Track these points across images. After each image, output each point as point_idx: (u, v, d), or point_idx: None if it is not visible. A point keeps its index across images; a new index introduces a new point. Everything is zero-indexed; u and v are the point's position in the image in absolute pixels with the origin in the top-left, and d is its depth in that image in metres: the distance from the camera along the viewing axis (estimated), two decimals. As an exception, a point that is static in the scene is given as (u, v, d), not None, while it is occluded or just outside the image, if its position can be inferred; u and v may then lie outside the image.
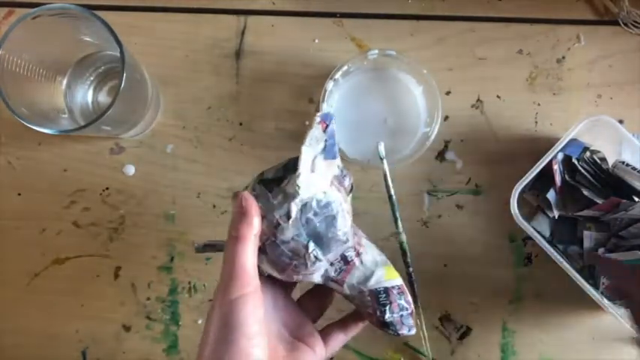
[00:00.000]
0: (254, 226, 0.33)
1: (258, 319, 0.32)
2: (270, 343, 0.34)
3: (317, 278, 0.37)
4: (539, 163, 0.45)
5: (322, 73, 0.50)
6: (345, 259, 0.37)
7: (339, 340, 0.39)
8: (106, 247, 0.51)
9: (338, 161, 0.38)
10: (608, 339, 0.50)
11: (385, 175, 0.46)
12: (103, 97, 0.50)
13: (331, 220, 0.35)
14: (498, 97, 0.52)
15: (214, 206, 0.52)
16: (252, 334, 0.31)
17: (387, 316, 0.36)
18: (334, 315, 0.41)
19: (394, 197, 0.46)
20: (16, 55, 0.41)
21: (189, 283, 0.51)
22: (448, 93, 0.52)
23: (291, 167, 0.36)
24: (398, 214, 0.46)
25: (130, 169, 0.52)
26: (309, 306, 0.40)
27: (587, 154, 0.47)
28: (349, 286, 0.37)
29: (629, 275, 0.38)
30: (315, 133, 0.36)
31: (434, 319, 0.51)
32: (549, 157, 0.46)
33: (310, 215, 0.34)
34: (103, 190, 0.52)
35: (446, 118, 0.52)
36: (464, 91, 0.52)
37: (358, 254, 0.37)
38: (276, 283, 0.38)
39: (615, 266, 0.41)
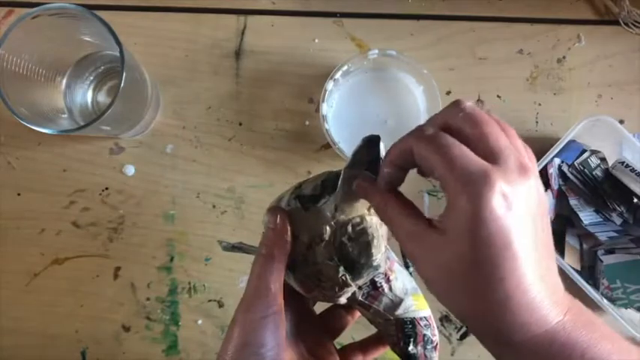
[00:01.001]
0: (285, 247, 0.32)
1: (278, 341, 0.31)
2: None
3: (343, 301, 0.36)
4: (540, 161, 0.45)
5: (322, 73, 0.50)
6: (374, 285, 0.35)
7: None
8: (105, 247, 0.51)
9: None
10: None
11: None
12: (103, 97, 0.50)
13: (365, 246, 0.33)
14: (499, 97, 0.52)
15: (214, 206, 0.52)
16: (270, 356, 0.31)
17: (411, 347, 0.35)
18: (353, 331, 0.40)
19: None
20: (15, 55, 0.41)
21: (189, 283, 0.51)
22: (448, 93, 0.52)
23: (329, 185, 0.34)
24: (398, 214, 0.46)
25: (130, 169, 0.52)
26: (331, 323, 0.39)
27: (583, 157, 0.47)
28: (375, 312, 0.36)
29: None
30: (360, 154, 0.36)
31: (434, 319, 0.51)
32: (546, 160, 0.45)
33: (344, 239, 0.33)
34: (103, 190, 0.52)
35: (446, 118, 0.52)
36: (464, 91, 0.52)
37: (388, 280, 0.36)
38: (300, 297, 0.36)
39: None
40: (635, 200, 0.47)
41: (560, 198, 0.48)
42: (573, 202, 0.47)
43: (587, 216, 0.47)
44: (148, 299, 0.51)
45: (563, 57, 0.52)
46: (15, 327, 0.51)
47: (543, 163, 0.45)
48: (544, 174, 0.47)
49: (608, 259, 0.47)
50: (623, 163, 0.46)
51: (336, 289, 0.34)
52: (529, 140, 0.51)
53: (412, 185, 0.51)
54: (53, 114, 0.47)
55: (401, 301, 0.36)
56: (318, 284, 0.34)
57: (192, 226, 0.52)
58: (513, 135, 0.27)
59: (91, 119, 0.40)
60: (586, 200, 0.48)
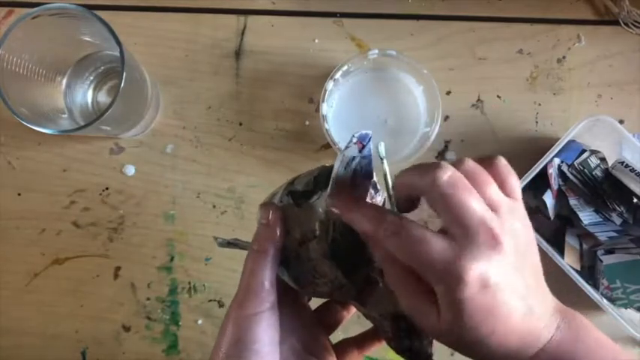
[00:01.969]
0: (277, 242, 0.32)
1: (271, 338, 0.31)
2: (282, 358, 0.34)
3: (338, 296, 0.36)
4: (536, 166, 0.45)
5: (322, 73, 0.50)
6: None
7: (353, 357, 0.38)
8: (105, 247, 0.51)
9: (373, 178, 0.37)
10: (608, 339, 0.50)
11: (385, 175, 0.46)
12: (103, 97, 0.50)
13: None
14: (498, 97, 0.52)
15: (214, 206, 0.52)
16: (264, 352, 0.30)
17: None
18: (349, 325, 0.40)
19: (394, 197, 0.46)
20: (16, 55, 0.41)
21: (189, 283, 0.51)
22: (448, 93, 0.52)
23: (322, 181, 0.34)
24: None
25: (130, 169, 0.52)
26: (326, 318, 0.39)
27: (582, 157, 0.47)
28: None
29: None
30: (351, 152, 0.35)
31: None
32: (546, 160, 0.45)
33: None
34: (103, 190, 0.52)
35: (446, 118, 0.52)
36: (464, 91, 0.52)
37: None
38: (295, 292, 0.36)
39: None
40: (635, 200, 0.47)
41: (560, 198, 0.48)
42: (573, 202, 0.47)
43: (587, 216, 0.47)
44: (148, 299, 0.51)
45: (563, 57, 0.52)
46: (15, 327, 0.51)
47: (543, 164, 0.45)
48: (544, 174, 0.47)
49: (608, 259, 0.47)
50: (622, 163, 0.46)
51: (330, 285, 0.34)
52: (529, 140, 0.51)
53: (412, 185, 0.51)
54: (53, 114, 0.47)
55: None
56: (312, 280, 0.34)
57: (192, 226, 0.52)
58: (483, 183, 0.27)
59: (91, 119, 0.40)
60: (586, 200, 0.48)
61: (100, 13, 0.41)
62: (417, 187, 0.28)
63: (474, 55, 0.52)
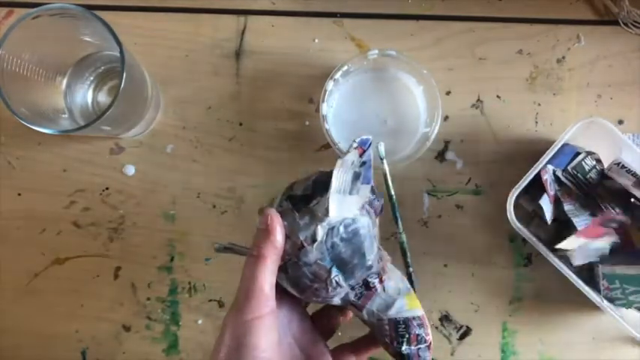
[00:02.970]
0: (277, 247, 0.32)
1: (271, 343, 0.31)
2: None
3: (336, 301, 0.36)
4: (530, 171, 0.45)
5: (322, 73, 0.50)
6: (367, 285, 0.35)
7: None
8: (105, 247, 0.51)
9: (372, 184, 0.37)
10: (608, 339, 0.50)
11: (385, 175, 0.46)
12: (103, 97, 0.50)
13: (358, 246, 0.34)
14: (498, 97, 0.52)
15: (214, 206, 0.52)
16: (263, 357, 0.30)
17: (404, 348, 0.35)
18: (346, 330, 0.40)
19: (394, 197, 0.46)
20: (16, 55, 0.41)
21: (189, 283, 0.51)
22: (448, 93, 0.52)
23: (320, 185, 0.34)
24: (398, 214, 0.46)
25: (130, 169, 0.52)
26: (323, 323, 0.39)
27: (577, 160, 0.47)
28: (368, 312, 0.36)
29: None
30: (351, 157, 0.35)
31: (434, 319, 0.51)
32: (540, 166, 0.45)
33: (336, 240, 0.33)
34: (103, 190, 0.52)
35: (446, 118, 0.52)
36: (464, 91, 0.52)
37: (381, 281, 0.36)
38: (293, 297, 0.36)
39: None
40: (633, 200, 0.47)
41: (557, 202, 0.48)
42: (568, 207, 0.47)
43: (581, 221, 0.47)
44: (148, 299, 0.51)
45: (563, 57, 0.52)
46: (15, 327, 0.51)
47: (537, 169, 0.45)
48: (538, 180, 0.47)
49: (605, 268, 0.47)
50: (618, 164, 0.46)
51: (329, 290, 0.34)
52: (529, 140, 0.51)
53: (412, 185, 0.51)
54: (53, 114, 0.47)
55: (394, 301, 0.36)
56: (311, 285, 0.34)
57: (192, 226, 0.52)
58: None
59: (92, 119, 0.40)
60: (581, 204, 0.48)
61: (100, 13, 0.41)
62: None
63: (473, 55, 0.52)
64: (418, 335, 0.35)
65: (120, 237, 0.51)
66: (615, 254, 0.48)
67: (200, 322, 0.51)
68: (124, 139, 0.52)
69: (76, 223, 0.52)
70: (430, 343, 0.36)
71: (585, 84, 0.52)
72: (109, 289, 0.51)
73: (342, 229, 0.33)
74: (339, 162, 0.34)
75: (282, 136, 0.52)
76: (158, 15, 0.53)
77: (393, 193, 0.46)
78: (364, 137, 0.35)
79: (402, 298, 0.36)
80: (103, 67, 0.49)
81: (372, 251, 0.35)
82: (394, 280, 0.37)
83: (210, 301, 0.51)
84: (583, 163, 0.47)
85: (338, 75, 0.49)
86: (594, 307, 0.45)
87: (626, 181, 0.46)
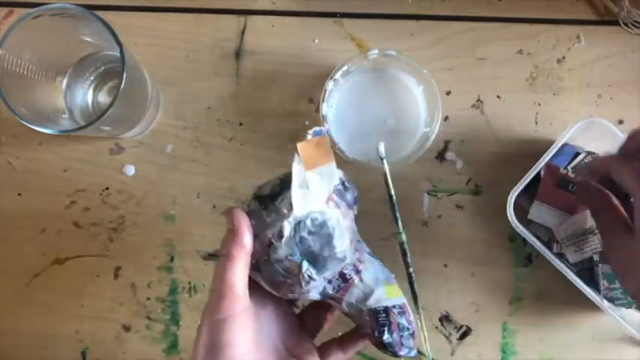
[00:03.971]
0: (244, 246, 0.32)
1: (246, 340, 0.31)
2: None
3: (314, 296, 0.36)
4: (530, 171, 0.45)
5: (322, 73, 0.50)
6: (343, 277, 0.36)
7: (337, 358, 0.38)
8: (106, 247, 0.51)
9: (339, 173, 0.37)
10: (608, 339, 0.50)
11: (385, 175, 0.46)
12: (103, 97, 0.50)
13: (327, 238, 0.34)
14: (498, 97, 0.52)
15: (214, 206, 0.52)
16: (238, 355, 0.31)
17: (386, 336, 0.35)
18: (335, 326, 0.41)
19: (394, 197, 0.46)
20: (16, 55, 0.41)
21: (189, 283, 0.51)
22: (448, 93, 0.52)
23: (287, 184, 0.35)
24: (398, 214, 0.46)
25: (130, 169, 0.52)
26: (309, 320, 0.40)
27: (577, 160, 0.47)
28: (348, 304, 0.36)
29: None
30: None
31: (434, 319, 0.51)
32: (542, 163, 0.45)
33: (304, 234, 0.33)
34: (103, 190, 0.52)
35: (446, 118, 0.52)
36: (464, 91, 0.52)
37: (358, 272, 0.36)
38: (274, 296, 0.37)
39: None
40: (632, 199, 0.47)
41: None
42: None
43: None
44: (148, 299, 0.51)
45: (563, 57, 0.52)
46: (15, 327, 0.51)
47: (537, 169, 0.45)
48: (538, 180, 0.47)
49: (605, 267, 0.47)
50: None
51: (302, 285, 0.34)
52: (529, 140, 0.51)
53: (412, 185, 0.51)
54: (53, 114, 0.47)
55: (372, 291, 0.36)
56: (284, 281, 0.34)
57: (192, 226, 0.52)
58: None
59: (92, 119, 0.40)
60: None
61: (100, 13, 0.41)
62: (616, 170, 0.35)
63: (473, 55, 0.52)
64: (399, 324, 0.35)
65: (120, 237, 0.52)
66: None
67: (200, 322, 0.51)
68: (124, 139, 0.52)
69: (76, 223, 0.52)
70: (413, 331, 0.36)
71: (585, 84, 0.52)
72: (109, 289, 0.51)
73: (308, 222, 0.34)
74: (296, 157, 0.34)
75: (282, 136, 0.52)
76: (158, 15, 0.53)
77: (393, 193, 0.46)
78: (317, 128, 0.36)
79: (380, 288, 0.36)
80: (103, 67, 0.49)
81: (344, 242, 0.35)
82: (372, 270, 0.37)
83: (210, 301, 0.51)
84: (583, 163, 0.47)
85: (338, 75, 0.49)
86: (594, 307, 0.45)
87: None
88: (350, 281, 0.36)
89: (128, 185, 0.52)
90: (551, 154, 0.45)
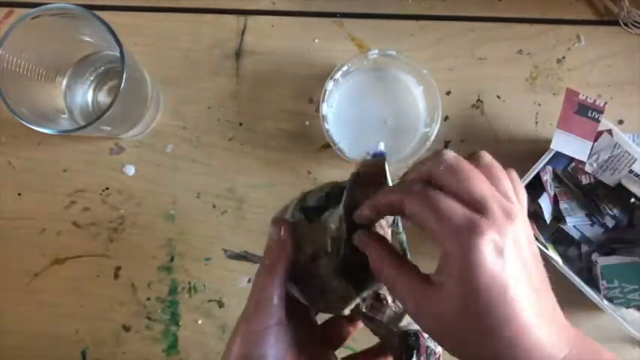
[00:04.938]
0: (288, 258, 0.32)
1: (279, 353, 0.31)
2: None
3: (346, 312, 0.35)
4: (529, 172, 0.45)
5: (322, 73, 0.50)
6: (377, 297, 0.35)
7: None
8: (106, 247, 0.51)
9: None
10: (608, 339, 0.50)
11: (385, 175, 0.46)
12: (103, 97, 0.50)
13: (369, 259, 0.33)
14: (498, 97, 0.52)
15: (214, 206, 0.52)
16: None
17: (414, 359, 0.34)
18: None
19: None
20: (16, 55, 0.41)
21: (189, 283, 0.51)
22: (448, 93, 0.52)
23: (334, 196, 0.34)
24: (398, 214, 0.46)
25: (130, 169, 0.52)
26: (333, 332, 0.39)
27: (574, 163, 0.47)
28: (378, 323, 0.35)
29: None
30: (364, 169, 0.35)
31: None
32: (542, 163, 0.45)
33: (348, 252, 0.33)
34: (103, 190, 0.52)
35: (446, 118, 0.52)
36: (464, 91, 0.52)
37: (395, 292, 0.36)
38: (303, 307, 0.36)
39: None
40: (633, 200, 0.47)
41: (557, 203, 0.48)
42: (563, 206, 0.47)
43: (575, 221, 0.47)
44: (148, 299, 0.51)
45: (563, 57, 0.52)
46: (15, 327, 0.51)
47: (536, 170, 0.45)
48: (538, 181, 0.47)
49: (603, 261, 0.47)
50: (631, 171, 0.45)
51: (340, 302, 0.34)
52: (529, 140, 0.51)
53: (412, 185, 0.51)
54: (53, 114, 0.47)
55: (404, 313, 0.35)
56: (322, 296, 0.34)
57: (192, 226, 0.52)
58: (500, 178, 0.27)
59: (92, 119, 0.40)
60: (579, 204, 0.48)
61: (100, 13, 0.41)
62: (428, 174, 0.27)
63: (473, 55, 0.52)
64: (428, 347, 0.35)
65: (120, 237, 0.51)
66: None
67: (200, 322, 0.51)
68: (124, 139, 0.52)
69: (76, 223, 0.52)
70: (439, 356, 0.36)
71: (585, 84, 0.52)
72: (109, 289, 0.51)
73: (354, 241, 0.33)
74: (351, 175, 0.34)
75: (282, 136, 0.52)
76: (158, 15, 0.53)
77: None
78: (378, 150, 0.35)
79: None
80: (103, 67, 0.49)
81: None
82: None
83: (210, 301, 0.51)
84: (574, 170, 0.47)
85: (338, 75, 0.49)
86: (594, 307, 0.45)
87: (628, 181, 0.46)
88: (384, 302, 0.35)
89: (128, 185, 0.52)
90: (552, 154, 0.45)
